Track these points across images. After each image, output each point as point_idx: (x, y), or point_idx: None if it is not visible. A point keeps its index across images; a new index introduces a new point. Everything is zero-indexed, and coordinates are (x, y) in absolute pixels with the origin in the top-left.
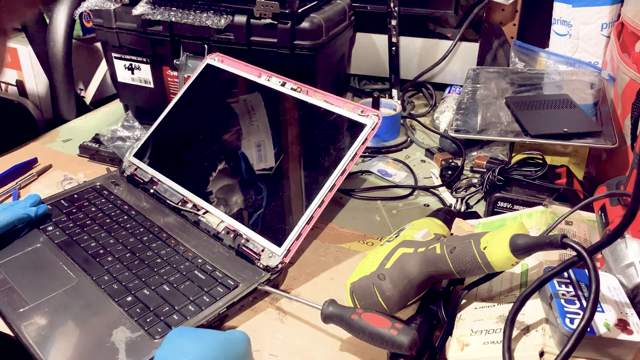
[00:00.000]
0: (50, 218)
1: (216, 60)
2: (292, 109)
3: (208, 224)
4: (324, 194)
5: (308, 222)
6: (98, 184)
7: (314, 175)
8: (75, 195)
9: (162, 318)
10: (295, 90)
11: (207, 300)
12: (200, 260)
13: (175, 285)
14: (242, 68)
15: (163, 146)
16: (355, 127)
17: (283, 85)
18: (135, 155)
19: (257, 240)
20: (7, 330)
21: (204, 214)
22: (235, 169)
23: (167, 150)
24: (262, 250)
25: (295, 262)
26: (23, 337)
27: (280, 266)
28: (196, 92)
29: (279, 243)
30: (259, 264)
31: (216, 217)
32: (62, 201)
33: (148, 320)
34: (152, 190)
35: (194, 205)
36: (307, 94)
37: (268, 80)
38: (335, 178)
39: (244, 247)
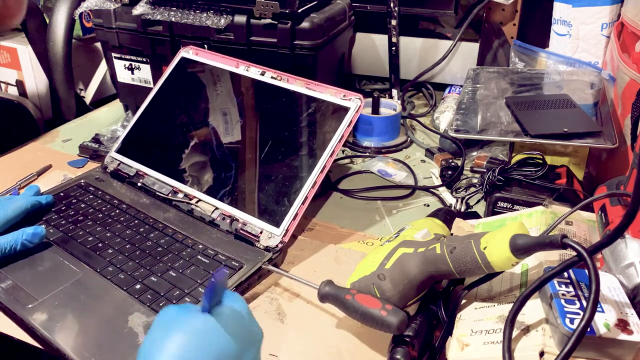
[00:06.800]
0: (41, 217)
1: (190, 53)
2: (275, 97)
3: (202, 211)
4: (316, 175)
5: (303, 203)
6: (82, 181)
7: (304, 158)
8: (62, 194)
9: (174, 302)
10: (275, 78)
11: None
12: (201, 246)
13: (181, 271)
14: (219, 59)
15: (146, 140)
16: (339, 111)
17: (263, 74)
18: (119, 151)
19: (254, 223)
20: (16, 329)
21: (196, 202)
22: (223, 156)
23: (151, 143)
24: (261, 232)
25: (295, 263)
26: (38, 331)
27: (280, 246)
28: (173, 85)
29: (276, 224)
30: (259, 245)
31: (209, 205)
32: None
33: (161, 304)
34: (139, 184)
35: (186, 195)
36: (287, 81)
37: (247, 70)
38: (325, 160)
39: (242, 231)
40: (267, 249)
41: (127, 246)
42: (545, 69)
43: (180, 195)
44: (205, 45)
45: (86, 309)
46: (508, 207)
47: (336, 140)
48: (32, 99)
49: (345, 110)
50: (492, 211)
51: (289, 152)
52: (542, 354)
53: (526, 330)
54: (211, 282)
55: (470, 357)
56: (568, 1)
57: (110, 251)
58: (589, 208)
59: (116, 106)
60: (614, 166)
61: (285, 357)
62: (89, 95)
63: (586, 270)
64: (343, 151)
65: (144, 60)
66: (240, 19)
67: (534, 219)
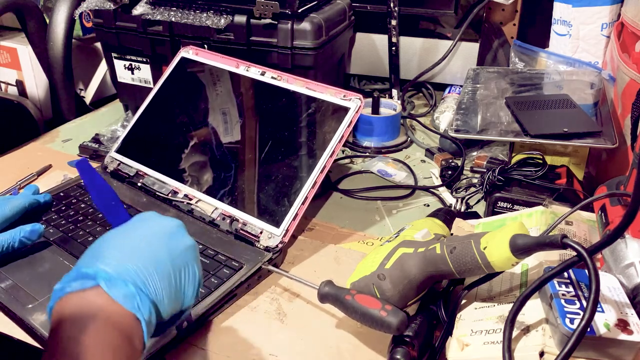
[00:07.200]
0: (41, 217)
1: (190, 53)
2: (275, 97)
3: (202, 212)
4: (316, 175)
5: (303, 203)
6: (82, 181)
7: (304, 158)
8: (62, 194)
9: None
10: (275, 78)
11: (215, 282)
12: (201, 246)
13: None
14: (219, 60)
15: (145, 140)
16: (339, 111)
17: (263, 74)
18: (119, 151)
19: (254, 223)
20: (15, 329)
21: (196, 202)
22: (223, 156)
23: (151, 143)
24: (261, 232)
25: (295, 263)
26: (38, 331)
27: (280, 246)
28: (173, 85)
29: (276, 224)
30: (259, 245)
31: (209, 205)
32: None
33: None
34: (139, 184)
35: (186, 195)
36: (287, 81)
37: (247, 70)
38: (325, 160)
39: (242, 231)
40: (267, 249)
41: None
42: (545, 69)
43: (180, 195)
44: (205, 45)
45: None
46: (508, 207)
47: (336, 141)
48: (32, 99)
49: (345, 110)
50: (492, 211)
51: (289, 152)
52: (542, 354)
53: (526, 330)
54: (79, 169)
55: (470, 357)
56: (568, 1)
57: None
58: (589, 208)
59: (116, 106)
60: (614, 166)
61: (285, 357)
62: (89, 95)
63: (586, 270)
64: (343, 151)
65: (144, 60)
66: (240, 19)
67: (534, 219)
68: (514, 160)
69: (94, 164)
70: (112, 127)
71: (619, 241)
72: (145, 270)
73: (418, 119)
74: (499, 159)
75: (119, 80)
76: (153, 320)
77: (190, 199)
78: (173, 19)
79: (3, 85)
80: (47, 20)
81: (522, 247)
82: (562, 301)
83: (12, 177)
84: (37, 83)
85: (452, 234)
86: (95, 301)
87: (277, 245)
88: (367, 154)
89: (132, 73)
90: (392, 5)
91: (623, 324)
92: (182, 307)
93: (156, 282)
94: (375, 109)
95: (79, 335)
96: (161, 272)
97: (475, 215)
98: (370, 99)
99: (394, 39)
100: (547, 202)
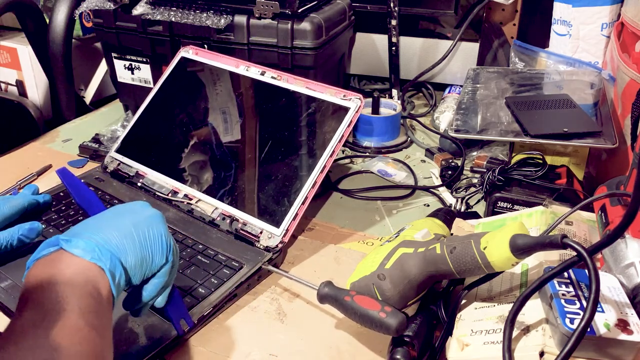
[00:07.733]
0: (41, 217)
1: (190, 53)
2: (275, 96)
3: (202, 212)
4: (316, 175)
5: (303, 203)
6: (82, 181)
7: (304, 158)
8: (61, 194)
9: None
10: (275, 78)
11: (215, 282)
12: (201, 246)
13: (181, 271)
14: (219, 59)
15: (145, 140)
16: (339, 111)
17: (263, 74)
18: (119, 151)
19: (254, 223)
20: None
21: (196, 202)
22: (223, 156)
23: (151, 143)
24: (261, 232)
25: (295, 263)
26: None
27: (280, 246)
28: (173, 85)
29: (276, 224)
30: (259, 245)
31: (209, 205)
32: None
33: None
34: (139, 184)
35: (185, 195)
36: (287, 81)
37: (247, 70)
38: (325, 160)
39: (242, 231)
40: (267, 249)
41: None
42: (545, 69)
43: (180, 195)
44: (205, 45)
45: None
46: (508, 207)
47: (336, 140)
48: (32, 99)
49: (345, 110)
50: (492, 211)
51: (289, 152)
52: (542, 354)
53: (526, 330)
54: (61, 176)
55: (470, 357)
56: (568, 1)
57: None
58: (589, 208)
59: (116, 106)
60: (614, 166)
61: (285, 357)
62: (89, 95)
63: (586, 270)
64: (343, 151)
65: (144, 60)
66: (240, 19)
67: (534, 219)
68: (514, 160)
69: (94, 164)
70: (112, 127)
71: (619, 241)
72: (105, 231)
73: (418, 119)
74: (499, 159)
75: (119, 80)
76: (120, 276)
77: (190, 199)
78: (173, 19)
79: (3, 85)
80: (47, 20)
81: (522, 247)
82: (562, 301)
83: (12, 177)
84: (37, 83)
85: (452, 234)
86: (59, 257)
87: (277, 245)
88: (367, 154)
89: (132, 73)
90: (392, 5)
91: (623, 324)
92: (152, 269)
93: (117, 239)
94: (375, 109)
95: (46, 283)
96: (123, 233)
97: (475, 215)
98: (370, 99)
99: (394, 39)
100: (547, 202)
